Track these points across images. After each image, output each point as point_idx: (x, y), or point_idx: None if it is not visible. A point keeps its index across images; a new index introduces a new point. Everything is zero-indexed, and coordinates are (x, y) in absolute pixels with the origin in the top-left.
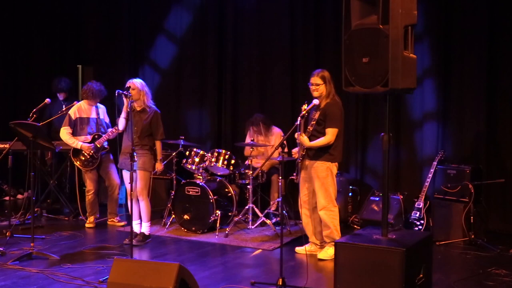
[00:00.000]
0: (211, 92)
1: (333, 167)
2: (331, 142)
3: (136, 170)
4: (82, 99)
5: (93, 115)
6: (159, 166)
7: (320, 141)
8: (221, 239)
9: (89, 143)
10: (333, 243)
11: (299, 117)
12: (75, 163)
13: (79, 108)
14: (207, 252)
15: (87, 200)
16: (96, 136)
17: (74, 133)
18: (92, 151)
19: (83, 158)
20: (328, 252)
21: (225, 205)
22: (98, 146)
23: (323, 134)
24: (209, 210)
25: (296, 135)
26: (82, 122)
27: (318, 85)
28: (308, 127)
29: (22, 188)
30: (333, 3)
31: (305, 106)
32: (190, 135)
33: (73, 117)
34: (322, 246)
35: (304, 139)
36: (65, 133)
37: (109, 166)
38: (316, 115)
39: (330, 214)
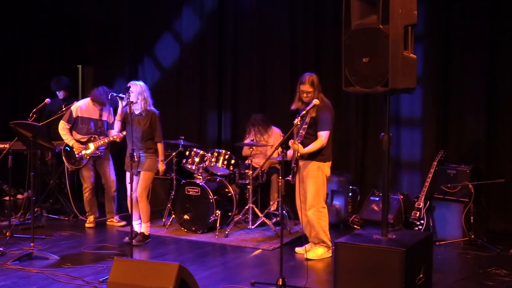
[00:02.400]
0: (211, 92)
1: (325, 167)
2: (325, 145)
3: (140, 171)
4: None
5: (95, 116)
6: (161, 167)
7: (313, 146)
8: (221, 239)
9: (83, 143)
10: (322, 244)
11: (299, 117)
12: (63, 158)
13: (82, 107)
14: (207, 252)
15: (84, 198)
16: (92, 138)
17: (73, 130)
18: (80, 153)
19: (72, 159)
20: (316, 253)
21: (225, 205)
22: (92, 149)
23: (315, 136)
24: (209, 210)
25: (290, 143)
26: (82, 121)
27: (308, 92)
28: (300, 131)
29: (22, 188)
30: (333, 3)
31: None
32: (190, 135)
33: (74, 114)
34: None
35: (298, 147)
36: (62, 127)
37: (106, 164)
38: (307, 118)
39: (318, 215)
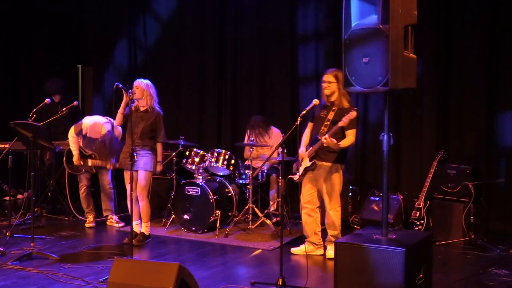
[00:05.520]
0: (211, 92)
1: (341, 168)
2: (353, 143)
3: (137, 170)
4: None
5: (99, 137)
6: (158, 168)
7: (346, 142)
8: (221, 239)
9: (84, 156)
10: None
11: (299, 117)
12: (64, 163)
13: (90, 127)
14: (207, 252)
15: (80, 194)
16: (93, 156)
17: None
18: (76, 162)
19: (70, 164)
20: None
21: (225, 205)
22: (90, 164)
23: (337, 133)
24: (209, 210)
25: (323, 139)
26: (89, 141)
27: (330, 83)
28: (322, 127)
29: (22, 188)
30: (333, 3)
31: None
32: (190, 135)
33: (83, 131)
34: (320, 246)
35: (334, 141)
36: (71, 135)
37: (105, 169)
38: (330, 115)
39: (337, 215)
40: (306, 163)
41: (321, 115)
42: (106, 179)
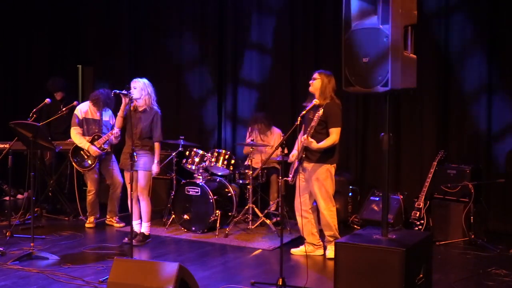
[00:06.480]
0: (211, 92)
1: (332, 168)
2: (336, 142)
3: (137, 170)
4: (89, 101)
5: (97, 117)
6: (155, 168)
7: (326, 142)
8: (221, 239)
9: (90, 142)
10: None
11: (299, 117)
12: (73, 163)
13: (84, 109)
14: (207, 252)
15: (87, 200)
16: (96, 137)
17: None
18: (95, 153)
19: (79, 159)
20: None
21: (225, 205)
22: (97, 146)
23: (323, 134)
24: (209, 210)
25: (302, 139)
26: (88, 122)
27: (314, 79)
28: (308, 128)
29: (22, 188)
30: (333, 3)
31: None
32: (190, 135)
33: (80, 117)
34: (320, 247)
35: (311, 141)
36: (74, 133)
37: (111, 165)
38: (316, 116)
39: (331, 214)
40: (295, 164)
41: (309, 116)
42: (118, 181)
